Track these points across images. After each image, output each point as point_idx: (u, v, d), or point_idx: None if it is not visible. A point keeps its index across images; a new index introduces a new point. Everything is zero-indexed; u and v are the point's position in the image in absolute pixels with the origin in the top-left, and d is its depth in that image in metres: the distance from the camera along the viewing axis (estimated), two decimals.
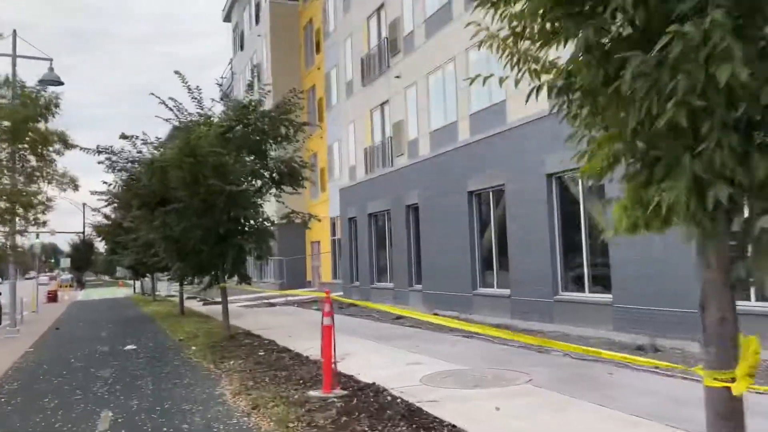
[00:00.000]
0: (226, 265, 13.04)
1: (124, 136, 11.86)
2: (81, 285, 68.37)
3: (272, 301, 26.45)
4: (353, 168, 25.91)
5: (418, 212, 20.29)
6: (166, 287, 38.03)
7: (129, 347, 13.28)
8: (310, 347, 11.34)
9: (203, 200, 12.16)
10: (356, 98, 25.38)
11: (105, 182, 12.56)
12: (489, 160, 16.14)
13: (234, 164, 12.08)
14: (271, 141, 13.46)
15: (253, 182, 12.93)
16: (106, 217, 24.15)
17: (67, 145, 14.05)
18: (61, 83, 17.94)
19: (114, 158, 12.26)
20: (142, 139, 12.13)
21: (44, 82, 17.63)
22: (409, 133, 20.87)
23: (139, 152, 12.37)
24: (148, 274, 32.12)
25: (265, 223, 12.96)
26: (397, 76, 21.43)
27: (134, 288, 47.24)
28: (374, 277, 24.03)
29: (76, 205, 71.54)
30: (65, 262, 64.99)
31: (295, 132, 13.93)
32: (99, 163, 12.34)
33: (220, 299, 29.38)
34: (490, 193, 16.43)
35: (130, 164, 12.19)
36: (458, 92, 17.73)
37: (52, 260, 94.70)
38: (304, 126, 14.08)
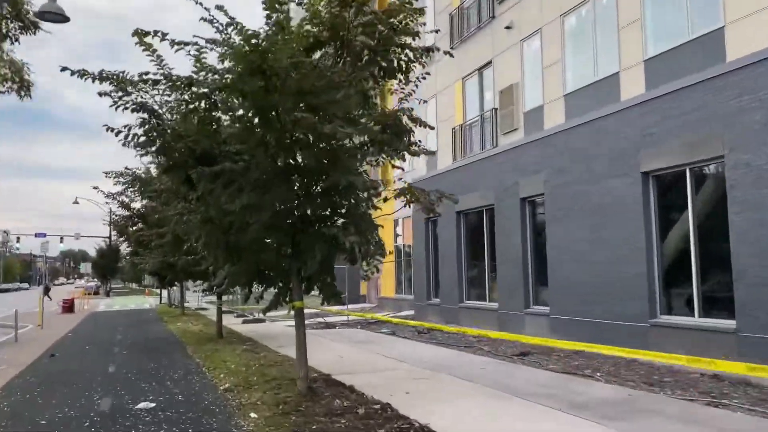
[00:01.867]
0: (304, 272, 7.79)
1: (139, 34, 6.65)
2: (106, 293, 64.17)
3: (327, 320, 21.18)
4: (433, 154, 20.62)
5: (539, 207, 14.90)
6: (197, 298, 33.08)
7: (143, 405, 8.10)
8: (463, 426, 6.05)
9: (275, 157, 6.96)
10: (440, 67, 20.13)
11: (109, 128, 7.26)
12: (690, 122, 10.68)
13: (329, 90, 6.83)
14: (377, 72, 8.20)
15: (353, 136, 7.63)
16: (125, 205, 18.87)
17: (26, 24, 8.61)
18: (66, 19, 13.07)
19: (128, 88, 7.09)
20: (178, 42, 6.79)
21: (43, 14, 12.77)
22: (525, 100, 15.53)
23: (167, 75, 7.13)
24: (176, 283, 27.14)
25: (371, 203, 7.68)
26: (509, 27, 16.15)
27: (161, 298, 42.54)
28: (464, 293, 18.63)
29: (101, 207, 67.46)
30: (86, 267, 60.74)
31: (407, 66, 8.67)
32: (102, 95, 7.24)
33: (261, 315, 24.41)
34: (687, 172, 10.95)
35: (152, 91, 6.97)
36: (621, 31, 12.35)
37: (80, 266, 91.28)
38: (428, 54, 8.74)
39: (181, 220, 8.07)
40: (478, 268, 18.15)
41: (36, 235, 64.17)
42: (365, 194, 7.58)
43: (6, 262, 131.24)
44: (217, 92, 6.83)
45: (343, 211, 7.67)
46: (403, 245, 24.64)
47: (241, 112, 6.72)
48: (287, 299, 8.48)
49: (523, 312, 15.34)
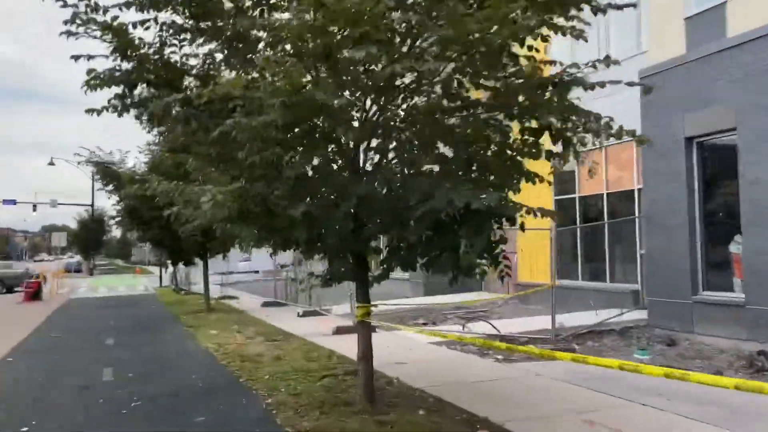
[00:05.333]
0: None
1: None
2: (90, 271, 53.99)
3: (491, 321, 11.53)
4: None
5: None
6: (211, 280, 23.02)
7: None
8: None
9: None
10: None
11: None
12: None
13: None
14: None
15: None
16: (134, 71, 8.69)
17: None
18: None
19: None
20: None
21: None
22: None
23: None
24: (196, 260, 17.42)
25: None
26: None
27: (160, 279, 32.67)
28: None
29: (83, 171, 56.86)
30: (59, 239, 50.09)
31: None
32: None
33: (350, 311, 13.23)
34: None
35: None
36: None
37: (50, 236, 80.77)
38: None
39: None
40: None
41: (4, 203, 53.64)
42: None
43: None
44: None
45: None
46: (579, 198, 15.00)
47: None
48: None
49: None
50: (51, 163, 51.90)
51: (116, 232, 74.23)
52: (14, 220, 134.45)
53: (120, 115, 5.51)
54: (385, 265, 5.70)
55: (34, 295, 23.10)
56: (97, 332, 13.46)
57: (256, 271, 34.86)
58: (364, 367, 6.22)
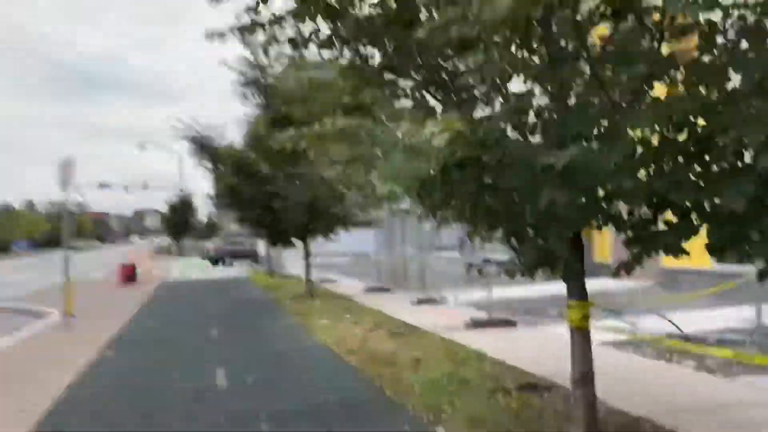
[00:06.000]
0: None
1: None
2: (180, 253, 54.90)
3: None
4: None
5: None
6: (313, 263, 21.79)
7: None
8: None
9: None
10: None
11: None
12: None
13: None
14: None
15: None
16: None
17: None
18: None
19: None
20: None
21: None
22: None
23: None
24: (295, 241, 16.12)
25: None
26: None
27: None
28: None
29: (172, 155, 57.55)
30: (152, 221, 50.97)
31: None
32: None
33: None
34: None
35: None
36: None
37: (145, 220, 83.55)
38: None
39: None
40: None
41: (100, 186, 55.51)
42: None
43: (79, 220, 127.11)
44: None
45: None
46: None
47: None
48: None
49: None
50: (142, 147, 52.90)
51: (203, 215, 75.56)
52: (108, 205, 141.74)
53: (250, 33, 3.89)
54: (636, 249, 3.82)
55: (129, 277, 22.76)
56: (198, 321, 12.35)
57: (345, 254, 33.76)
58: (584, 394, 4.40)
